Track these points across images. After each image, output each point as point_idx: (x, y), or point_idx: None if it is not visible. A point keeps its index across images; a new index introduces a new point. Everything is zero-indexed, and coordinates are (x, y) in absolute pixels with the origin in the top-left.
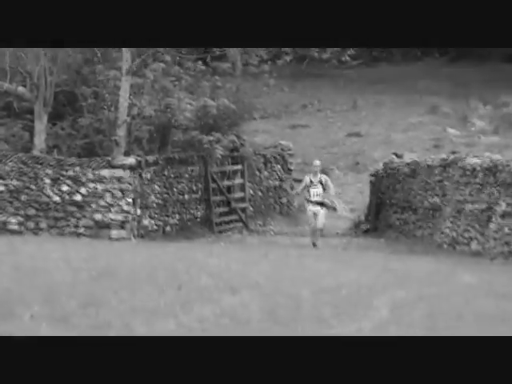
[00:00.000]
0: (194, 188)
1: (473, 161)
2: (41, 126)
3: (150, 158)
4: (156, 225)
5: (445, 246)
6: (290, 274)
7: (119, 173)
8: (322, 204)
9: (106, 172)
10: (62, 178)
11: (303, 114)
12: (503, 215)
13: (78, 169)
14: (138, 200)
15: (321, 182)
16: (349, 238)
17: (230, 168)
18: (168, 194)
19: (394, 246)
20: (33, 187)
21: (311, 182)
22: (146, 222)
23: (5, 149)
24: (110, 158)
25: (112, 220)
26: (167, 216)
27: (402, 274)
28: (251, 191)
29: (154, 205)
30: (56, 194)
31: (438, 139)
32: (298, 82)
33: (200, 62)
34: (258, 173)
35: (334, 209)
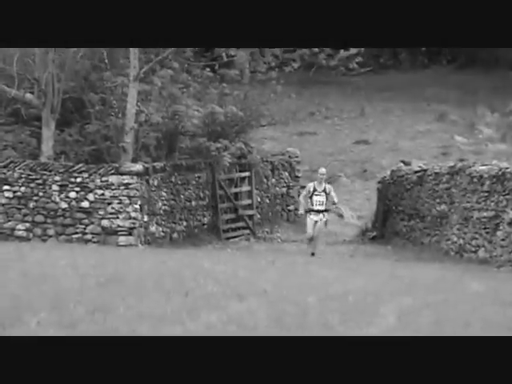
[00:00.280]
0: (202, 195)
1: (480, 168)
2: (48, 132)
3: (158, 165)
4: (163, 231)
5: (452, 253)
6: (297, 281)
7: (127, 179)
8: (323, 213)
9: (113, 178)
10: (69, 184)
11: (311, 121)
12: (511, 223)
13: (85, 175)
14: (146, 206)
15: (325, 191)
16: (356, 245)
17: (237, 175)
18: (175, 200)
19: (400, 253)
20: (41, 194)
21: (315, 189)
22: (153, 228)
23: (13, 155)
24: (117, 165)
25: (119, 226)
26: (174, 223)
27: (409, 281)
28: (258, 198)
29: (162, 211)
30: (64, 200)
31: (445, 147)
32: (305, 89)
33: (208, 69)
34: (265, 180)
35: (341, 215)
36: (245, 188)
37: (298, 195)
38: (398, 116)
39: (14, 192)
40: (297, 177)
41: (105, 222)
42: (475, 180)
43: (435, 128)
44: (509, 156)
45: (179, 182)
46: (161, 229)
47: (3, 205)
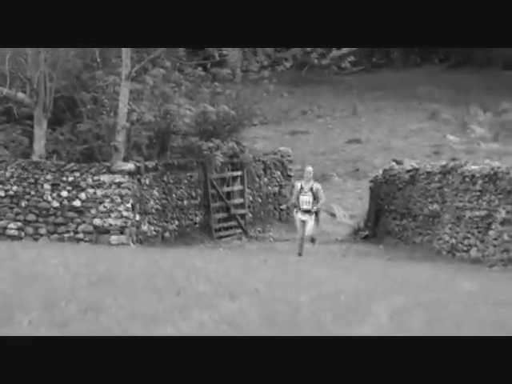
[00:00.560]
0: (194, 194)
1: (472, 168)
2: (40, 131)
3: (150, 164)
4: (155, 230)
5: (444, 252)
6: (289, 281)
7: (118, 178)
8: (310, 212)
9: (105, 177)
10: (61, 183)
11: (303, 121)
12: (503, 222)
13: (77, 174)
14: (137, 205)
15: (312, 190)
16: (348, 245)
17: (229, 174)
18: (167, 199)
19: (393, 252)
20: (33, 193)
21: (302, 188)
22: (145, 227)
23: (4, 154)
24: (109, 164)
25: (111, 225)
26: (166, 222)
27: (401, 281)
28: (250, 197)
29: (153, 210)
30: (56, 199)
31: (437, 146)
32: (297, 88)
33: (200, 68)
34: (257, 179)
35: (333, 215)
36: (237, 187)
37: (290, 194)
38: (391, 115)
39: (6, 191)
40: (289, 176)
41: (97, 221)
42: (467, 179)
43: (427, 127)
44: (501, 155)
45: (171, 181)
46: (153, 228)
47: None
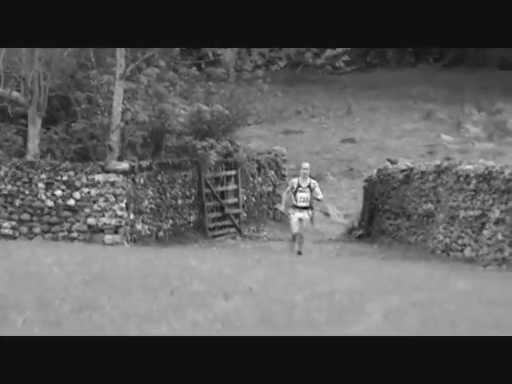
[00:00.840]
0: (188, 193)
1: (467, 167)
2: (35, 130)
3: (144, 163)
4: (149, 230)
5: (438, 252)
6: (283, 280)
7: (113, 177)
8: (307, 210)
9: (99, 177)
10: (56, 182)
11: (297, 120)
12: (497, 222)
13: (71, 173)
14: (132, 205)
15: (309, 187)
16: (342, 244)
17: (223, 173)
18: (161, 198)
19: (387, 251)
20: (27, 192)
21: (299, 185)
22: (139, 226)
23: None
24: (103, 163)
25: (105, 225)
26: (160, 221)
27: (396, 280)
28: (245, 197)
29: (148, 210)
30: (50, 198)
31: (432, 145)
32: (291, 87)
33: (194, 68)
34: (251, 178)
35: (328, 214)
36: (231, 186)
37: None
38: (385, 114)
39: (0, 190)
40: (283, 175)
41: (91, 220)
42: (461, 179)
43: (422, 126)
44: (495, 155)
45: (165, 181)
46: (147, 227)
47: None
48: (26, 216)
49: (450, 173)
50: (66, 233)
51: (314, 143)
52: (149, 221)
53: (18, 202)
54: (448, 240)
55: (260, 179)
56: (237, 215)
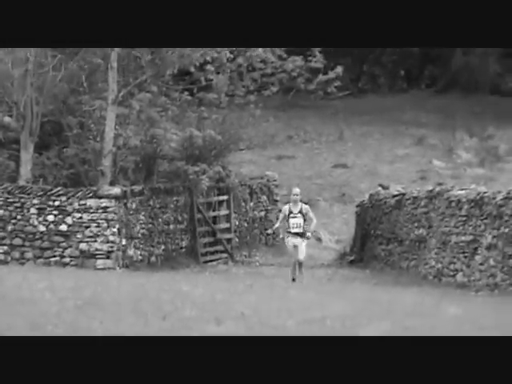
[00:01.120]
0: (180, 218)
1: (458, 193)
2: (27, 155)
3: (136, 188)
4: (141, 255)
5: (430, 277)
6: (275, 305)
7: (105, 203)
8: (302, 235)
9: (91, 202)
10: (48, 207)
11: (289, 145)
12: (489, 247)
13: (63, 199)
14: (124, 230)
15: (301, 212)
16: (334, 269)
17: (215, 199)
18: (153, 224)
19: (379, 277)
20: (19, 217)
21: (291, 212)
22: (131, 252)
23: None
24: (95, 188)
25: (97, 250)
26: (152, 246)
27: (387, 305)
28: (237, 222)
29: (140, 235)
30: (42, 223)
31: (423, 171)
32: (283, 112)
33: (186, 93)
34: (243, 203)
35: (319, 239)
36: (223, 212)
37: (277, 219)
38: (377, 139)
39: None
40: (275, 200)
41: (83, 246)
42: (453, 204)
43: (414, 152)
44: (487, 180)
45: (157, 206)
46: (139, 252)
47: None
48: (17, 241)
49: (441, 198)
50: (58, 258)
51: (306, 168)
52: (141, 246)
53: (10, 227)
54: (440, 265)
55: (252, 204)
56: (229, 240)
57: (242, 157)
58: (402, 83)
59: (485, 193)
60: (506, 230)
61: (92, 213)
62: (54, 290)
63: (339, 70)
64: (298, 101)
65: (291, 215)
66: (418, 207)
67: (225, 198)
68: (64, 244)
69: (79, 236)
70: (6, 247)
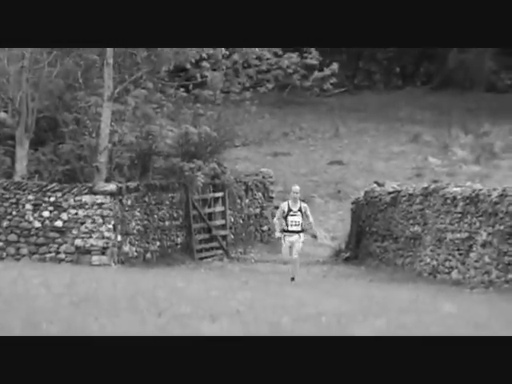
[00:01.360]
0: (175, 215)
1: (454, 190)
2: (22, 151)
3: (131, 185)
4: (136, 251)
5: (425, 274)
6: (270, 302)
7: (100, 199)
8: (299, 233)
9: (87, 198)
10: (43, 203)
11: (284, 142)
12: (484, 245)
13: (59, 195)
14: (119, 226)
15: (300, 210)
16: (329, 266)
17: (211, 195)
18: (149, 220)
19: (374, 273)
20: (14, 213)
21: (290, 209)
22: (126, 248)
23: None
24: (91, 185)
25: (93, 246)
26: (148, 242)
27: (383, 302)
28: (232, 218)
29: (135, 231)
30: (37, 219)
31: (419, 168)
32: (279, 109)
33: (182, 89)
34: (239, 200)
35: (315, 236)
36: (218, 208)
37: (272, 216)
38: (373, 136)
39: None
40: (270, 197)
41: (78, 242)
42: (449, 201)
43: (409, 149)
44: (482, 178)
45: (153, 202)
46: (134, 248)
47: None
48: (13, 237)
49: (437, 195)
50: (53, 254)
51: (302, 165)
52: (136, 242)
53: (5, 223)
54: (435, 262)
55: (247, 201)
56: (224, 237)
57: (237, 153)
58: (398, 80)
59: (480, 190)
60: (501, 228)
61: (87, 209)
62: (50, 286)
63: (335, 66)
64: (293, 97)
65: (290, 213)
66: (413, 204)
67: (220, 194)
68: (59, 240)
69: (74, 232)
70: (1, 243)
